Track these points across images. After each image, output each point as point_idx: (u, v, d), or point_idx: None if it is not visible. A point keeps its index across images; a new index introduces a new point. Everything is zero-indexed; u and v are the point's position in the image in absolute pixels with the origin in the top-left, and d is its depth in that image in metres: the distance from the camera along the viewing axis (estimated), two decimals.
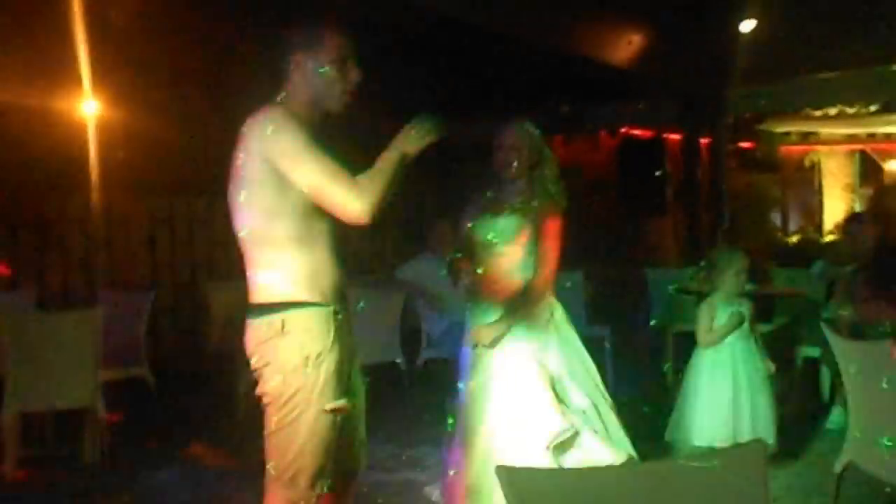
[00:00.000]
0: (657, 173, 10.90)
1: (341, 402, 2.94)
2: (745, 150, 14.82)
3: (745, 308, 5.10)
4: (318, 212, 2.90)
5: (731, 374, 4.99)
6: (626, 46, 9.46)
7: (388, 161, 2.91)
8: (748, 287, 5.35)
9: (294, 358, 2.88)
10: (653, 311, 8.65)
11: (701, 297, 6.27)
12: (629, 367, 8.35)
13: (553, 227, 4.19)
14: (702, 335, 5.09)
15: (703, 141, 11.28)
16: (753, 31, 9.37)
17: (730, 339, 5.05)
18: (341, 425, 2.97)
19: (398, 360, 7.04)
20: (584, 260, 9.26)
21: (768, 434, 4.90)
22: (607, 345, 7.93)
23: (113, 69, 7.23)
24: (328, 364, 2.91)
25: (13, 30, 6.59)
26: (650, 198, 11.03)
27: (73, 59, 6.90)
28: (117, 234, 9.04)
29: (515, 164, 4.17)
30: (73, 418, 5.85)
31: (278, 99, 3.03)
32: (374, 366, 5.22)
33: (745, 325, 5.09)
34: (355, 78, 3.03)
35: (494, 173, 4.24)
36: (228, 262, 9.52)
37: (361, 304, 6.59)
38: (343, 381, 2.97)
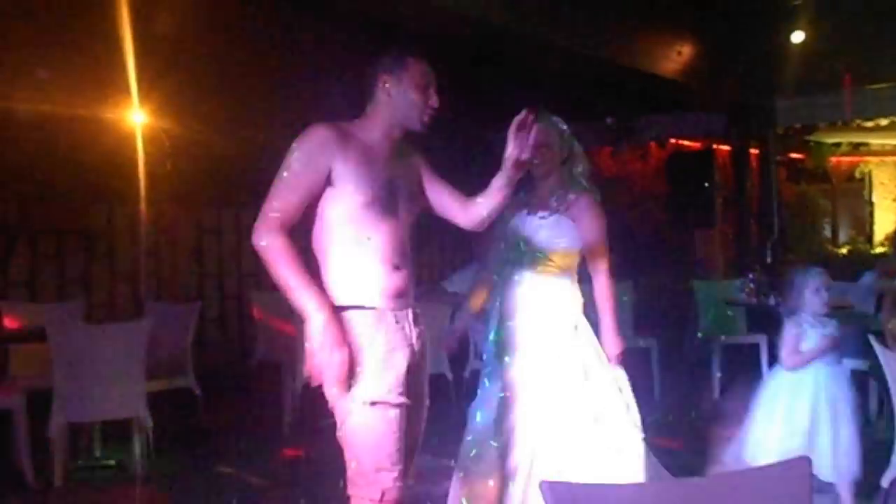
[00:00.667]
0: (706, 185, 10.78)
1: (387, 397, 3.03)
2: (795, 161, 14.69)
3: (834, 329, 4.76)
4: (366, 217, 3.05)
5: (810, 402, 4.64)
6: (676, 57, 9.40)
7: (297, 290, 2.96)
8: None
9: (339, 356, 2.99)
10: (700, 323, 8.54)
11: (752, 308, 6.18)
12: (676, 378, 8.31)
13: (597, 215, 4.17)
14: (787, 357, 4.75)
15: (753, 152, 11.16)
16: (803, 41, 9.31)
17: (814, 362, 4.74)
18: (396, 422, 3.05)
19: (445, 372, 6.99)
20: (632, 270, 9.21)
21: (850, 467, 4.52)
22: (654, 355, 7.96)
23: (161, 79, 7.26)
24: (371, 360, 3.02)
25: (62, 40, 6.64)
26: (699, 209, 10.90)
27: (122, 70, 6.94)
28: (164, 245, 9.09)
29: (546, 160, 4.10)
30: (120, 429, 5.85)
31: (364, 115, 3.21)
32: None
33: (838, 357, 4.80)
34: (435, 104, 3.21)
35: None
36: None
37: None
38: (392, 380, 3.05)
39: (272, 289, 3.12)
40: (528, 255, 4.08)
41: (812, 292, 4.71)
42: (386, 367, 3.05)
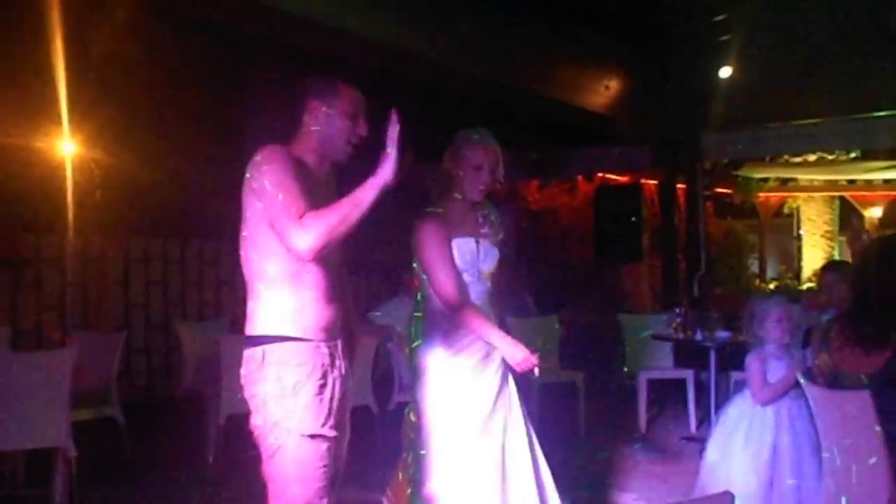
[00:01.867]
0: (633, 219, 10.90)
1: (323, 430, 3.05)
2: (723, 195, 14.92)
3: (799, 359, 4.70)
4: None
5: (771, 436, 4.55)
6: (604, 91, 9.53)
7: (345, 200, 2.94)
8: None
9: (272, 388, 3.02)
10: (626, 357, 8.57)
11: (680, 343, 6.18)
12: (602, 413, 8.37)
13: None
14: (758, 391, 4.63)
15: (681, 186, 11.32)
16: (731, 77, 9.44)
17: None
18: (328, 455, 3.08)
19: (369, 404, 6.97)
20: (558, 304, 9.31)
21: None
22: (580, 389, 7.92)
23: (91, 110, 7.25)
24: (306, 393, 3.03)
25: None
26: (626, 243, 11.00)
27: (52, 99, 6.91)
28: (92, 274, 9.02)
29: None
30: (43, 458, 5.78)
31: (295, 140, 3.19)
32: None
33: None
34: (362, 133, 3.19)
35: (444, 194, 3.99)
36: (201, 302, 9.61)
37: None
38: (325, 412, 3.08)
39: (197, 318, 3.15)
40: (482, 282, 3.96)
41: (774, 322, 4.67)
42: (321, 400, 3.07)
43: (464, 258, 3.87)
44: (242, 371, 3.11)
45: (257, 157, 3.00)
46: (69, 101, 7.05)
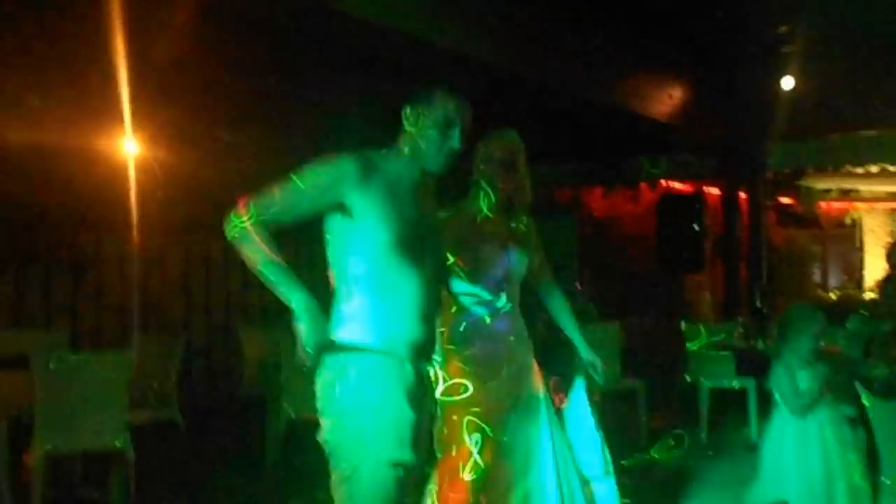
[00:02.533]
0: (695, 227, 10.83)
1: (402, 456, 2.84)
2: (785, 205, 14.76)
3: (824, 369, 4.64)
4: (395, 259, 2.88)
5: (820, 448, 4.48)
6: (667, 100, 9.47)
7: (283, 279, 2.78)
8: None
9: (351, 404, 2.83)
10: (688, 366, 8.51)
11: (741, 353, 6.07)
12: (663, 421, 8.29)
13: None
14: (792, 401, 4.57)
15: (743, 196, 11.22)
16: (794, 87, 9.37)
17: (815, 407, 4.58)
18: (406, 483, 2.87)
19: None
20: (620, 312, 9.22)
21: None
22: (641, 397, 7.94)
23: (154, 109, 7.27)
24: (387, 414, 2.83)
25: (56, 69, 6.65)
26: (688, 252, 10.96)
27: (116, 99, 6.93)
28: (152, 274, 9.06)
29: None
30: (101, 461, 5.79)
31: (392, 146, 3.06)
32: None
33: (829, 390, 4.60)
34: (455, 145, 3.01)
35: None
36: (262, 305, 9.61)
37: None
38: (406, 436, 2.86)
39: (259, 321, 3.07)
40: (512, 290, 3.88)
41: (811, 338, 4.61)
42: (403, 423, 2.87)
43: (490, 261, 3.79)
44: (319, 379, 2.90)
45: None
46: (131, 102, 7.08)
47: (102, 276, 8.74)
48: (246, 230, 2.77)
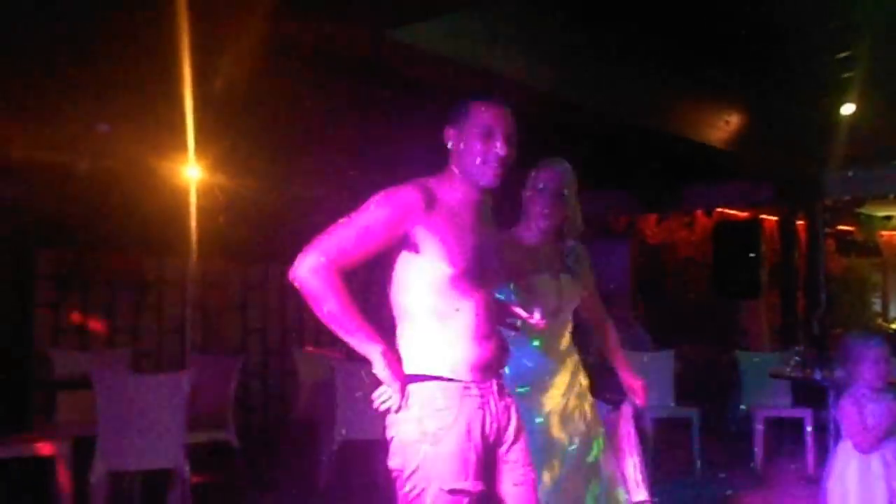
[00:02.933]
0: (752, 254, 10.74)
1: (465, 484, 2.78)
2: (845, 233, 14.58)
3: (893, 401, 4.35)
4: (456, 289, 2.84)
5: (884, 485, 4.26)
6: (724, 126, 9.43)
7: (354, 327, 2.76)
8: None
9: (413, 432, 2.80)
10: (743, 394, 8.42)
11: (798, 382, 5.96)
12: (717, 449, 8.23)
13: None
14: (857, 437, 4.34)
15: (801, 223, 11.11)
16: (854, 113, 9.27)
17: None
18: None
19: None
20: (675, 338, 9.18)
21: None
22: (695, 425, 7.85)
23: (217, 136, 7.42)
24: (449, 440, 2.79)
25: (123, 95, 6.82)
26: (744, 279, 10.85)
27: (180, 125, 7.09)
28: (211, 298, 9.22)
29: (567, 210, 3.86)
30: (159, 480, 5.90)
31: (443, 173, 2.99)
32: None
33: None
34: (499, 152, 2.88)
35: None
36: (318, 329, 9.72)
37: None
38: (471, 463, 2.81)
39: (314, 344, 3.09)
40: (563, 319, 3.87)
41: (872, 363, 4.36)
42: (467, 449, 2.81)
43: (540, 292, 3.75)
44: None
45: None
46: (196, 128, 7.24)
47: (164, 298, 8.92)
48: (315, 273, 2.70)
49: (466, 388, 2.84)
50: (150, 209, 7.88)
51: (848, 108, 9.19)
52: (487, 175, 2.89)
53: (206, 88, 6.68)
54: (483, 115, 2.90)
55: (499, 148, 2.87)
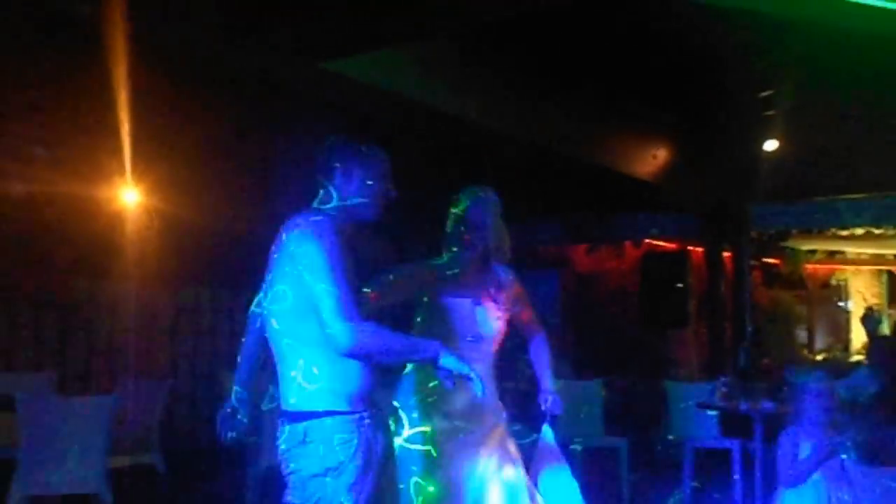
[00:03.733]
0: (679, 285, 10.89)
1: None
2: (770, 265, 14.81)
3: (838, 439, 4.26)
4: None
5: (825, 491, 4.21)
6: (651, 160, 9.60)
7: (414, 344, 3.06)
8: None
9: (314, 468, 2.86)
10: (671, 425, 8.43)
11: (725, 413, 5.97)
12: (646, 480, 8.28)
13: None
14: (783, 471, 4.32)
15: (727, 254, 11.30)
16: (778, 149, 9.45)
17: (816, 477, 4.25)
18: None
19: None
20: (602, 368, 9.26)
21: None
22: (623, 456, 7.83)
23: (150, 161, 7.44)
24: (350, 472, 2.87)
25: (62, 123, 6.84)
26: (672, 309, 10.98)
27: (116, 150, 7.11)
28: (142, 321, 9.16)
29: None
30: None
31: (315, 203, 3.10)
32: None
33: (839, 461, 4.22)
34: (393, 195, 3.16)
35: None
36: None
37: None
38: (368, 490, 2.91)
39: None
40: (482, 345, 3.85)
41: (813, 398, 4.33)
42: (365, 479, 2.89)
43: (461, 319, 3.80)
44: (281, 445, 2.96)
45: (303, 225, 2.92)
46: (131, 153, 7.24)
47: (93, 320, 8.85)
48: (357, 335, 2.80)
49: (360, 419, 2.92)
50: (83, 231, 7.85)
51: (771, 144, 9.38)
52: (378, 213, 3.14)
53: (143, 114, 6.71)
54: (383, 160, 3.16)
55: (393, 191, 3.16)
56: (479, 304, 3.85)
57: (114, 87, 6.33)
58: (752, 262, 12.04)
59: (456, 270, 3.87)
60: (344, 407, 2.91)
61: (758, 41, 7.66)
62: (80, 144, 7.19)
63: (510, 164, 8.77)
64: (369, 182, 3.09)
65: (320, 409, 2.89)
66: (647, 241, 12.11)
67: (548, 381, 4.06)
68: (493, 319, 3.88)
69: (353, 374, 2.92)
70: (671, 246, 12.30)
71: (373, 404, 3.00)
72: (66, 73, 6.36)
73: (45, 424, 5.48)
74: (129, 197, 7.95)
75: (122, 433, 6.02)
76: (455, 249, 3.89)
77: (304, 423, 2.89)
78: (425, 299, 3.86)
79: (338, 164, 3.08)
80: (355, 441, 2.89)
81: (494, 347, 3.90)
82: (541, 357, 4.14)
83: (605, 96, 8.65)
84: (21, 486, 5.42)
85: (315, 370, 2.90)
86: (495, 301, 3.90)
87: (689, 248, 11.87)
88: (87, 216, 7.84)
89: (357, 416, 2.92)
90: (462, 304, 3.82)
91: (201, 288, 9.62)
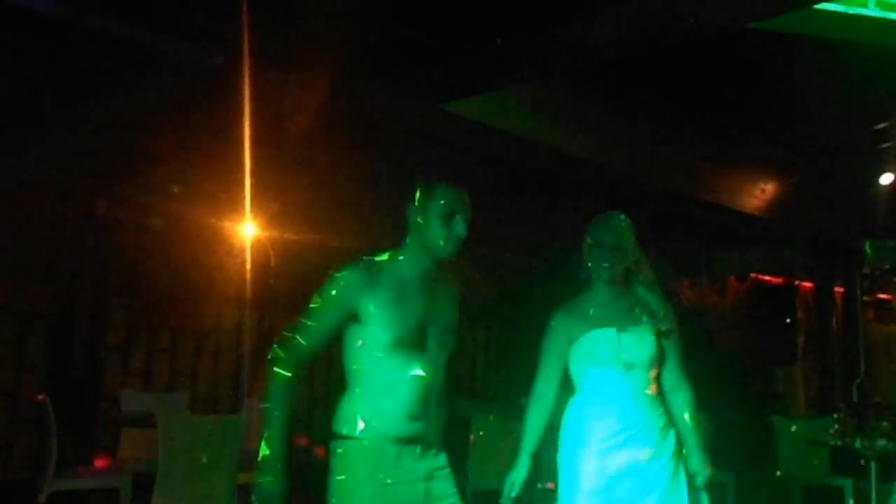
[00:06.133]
0: (787, 320, 10.75)
1: None
2: (884, 301, 14.54)
3: None
4: (390, 360, 3.02)
5: None
6: (759, 194, 9.55)
7: (272, 428, 3.16)
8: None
9: (330, 485, 3.05)
10: (779, 461, 8.27)
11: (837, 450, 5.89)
12: None
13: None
14: None
15: (838, 290, 11.17)
16: (893, 182, 9.25)
17: None
18: None
19: None
20: (708, 403, 9.25)
21: None
22: (730, 492, 7.69)
23: (272, 199, 7.86)
24: (359, 497, 2.99)
25: (193, 161, 7.29)
26: (780, 345, 10.84)
27: (240, 188, 7.52)
28: (263, 347, 9.57)
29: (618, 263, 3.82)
30: None
31: (401, 244, 3.17)
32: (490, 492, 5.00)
33: None
34: (461, 233, 3.07)
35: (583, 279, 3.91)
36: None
37: (482, 432, 6.78)
38: None
39: None
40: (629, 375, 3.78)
41: None
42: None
43: (599, 349, 3.77)
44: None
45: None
46: (252, 191, 7.65)
47: (220, 346, 9.34)
48: (278, 373, 3.12)
49: (382, 448, 3.01)
50: (210, 263, 8.32)
51: (886, 178, 9.18)
52: (448, 251, 3.09)
53: (265, 155, 7.09)
54: (446, 198, 3.08)
55: (460, 229, 3.08)
56: (624, 330, 3.83)
57: (240, 131, 6.73)
58: (865, 298, 11.88)
59: (596, 300, 3.88)
60: (366, 436, 3.06)
61: (872, 72, 7.57)
62: (205, 179, 7.62)
63: (615, 199, 8.88)
64: (429, 221, 3.07)
65: (345, 434, 3.07)
66: (753, 275, 12.05)
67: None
68: (640, 345, 3.86)
69: (388, 412, 3.06)
70: (777, 280, 12.19)
71: (406, 445, 3.06)
72: (200, 118, 6.78)
73: (180, 441, 5.73)
74: (247, 230, 8.32)
75: (249, 451, 6.31)
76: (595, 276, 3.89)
77: (334, 442, 3.11)
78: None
79: (414, 203, 3.11)
80: (368, 467, 3.03)
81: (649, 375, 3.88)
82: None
83: (714, 130, 8.64)
84: (161, 496, 5.62)
85: (352, 398, 3.12)
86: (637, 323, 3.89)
87: (797, 282, 11.76)
88: (213, 249, 8.33)
89: (375, 444, 3.05)
90: (603, 332, 3.81)
91: None
